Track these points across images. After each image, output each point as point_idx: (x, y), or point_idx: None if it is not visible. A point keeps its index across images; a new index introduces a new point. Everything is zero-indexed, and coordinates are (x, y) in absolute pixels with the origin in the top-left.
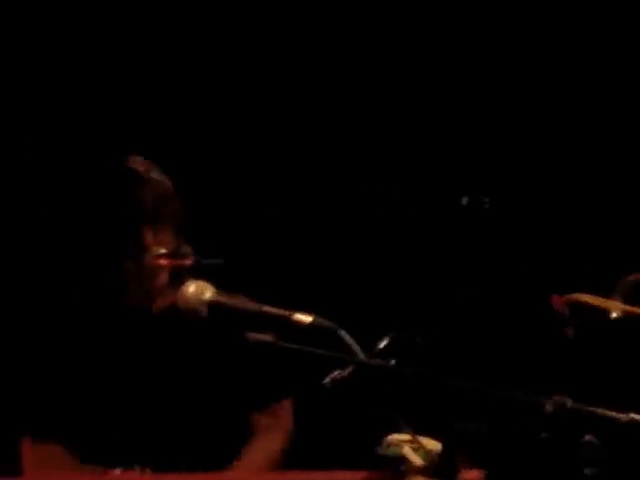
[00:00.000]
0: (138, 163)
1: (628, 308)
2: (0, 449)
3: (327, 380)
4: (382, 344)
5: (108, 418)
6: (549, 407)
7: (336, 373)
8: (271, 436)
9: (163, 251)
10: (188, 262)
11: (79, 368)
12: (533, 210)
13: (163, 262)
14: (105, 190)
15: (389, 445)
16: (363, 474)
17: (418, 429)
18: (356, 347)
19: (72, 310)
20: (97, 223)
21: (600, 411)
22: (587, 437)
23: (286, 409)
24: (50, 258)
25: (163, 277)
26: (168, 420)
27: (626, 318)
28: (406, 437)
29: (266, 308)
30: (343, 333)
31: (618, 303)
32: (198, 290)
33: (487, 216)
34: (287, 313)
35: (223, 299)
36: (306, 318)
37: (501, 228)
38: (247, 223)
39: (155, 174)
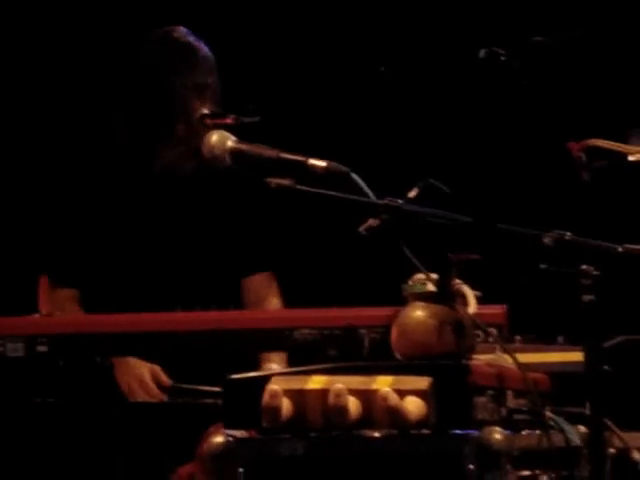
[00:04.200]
0: (189, 34)
1: None
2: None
3: (363, 227)
4: (412, 193)
5: (123, 266)
6: (548, 240)
7: (371, 220)
8: (275, 292)
9: (206, 111)
10: (229, 120)
11: (102, 217)
12: (547, 58)
13: (207, 121)
14: (160, 57)
15: (416, 283)
16: (392, 309)
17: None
18: (369, 191)
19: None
20: (151, 89)
21: (597, 243)
22: (584, 267)
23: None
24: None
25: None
26: (182, 267)
27: None
28: (433, 276)
29: (284, 154)
30: (356, 177)
31: (636, 147)
32: (221, 139)
33: (504, 68)
34: (303, 158)
35: (244, 147)
36: (321, 163)
37: (517, 79)
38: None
39: (204, 48)
